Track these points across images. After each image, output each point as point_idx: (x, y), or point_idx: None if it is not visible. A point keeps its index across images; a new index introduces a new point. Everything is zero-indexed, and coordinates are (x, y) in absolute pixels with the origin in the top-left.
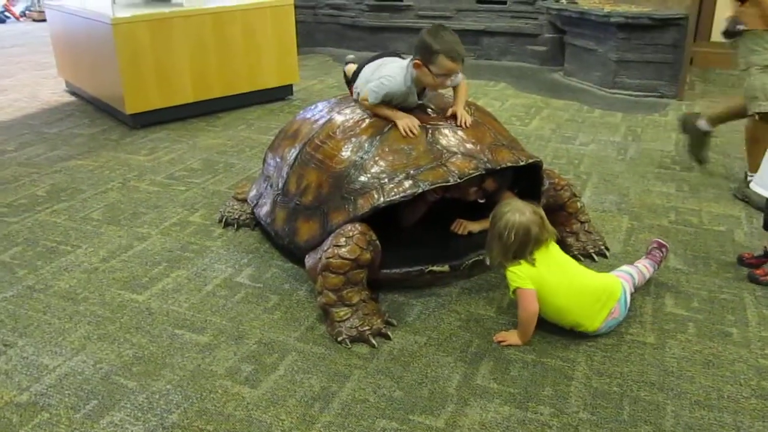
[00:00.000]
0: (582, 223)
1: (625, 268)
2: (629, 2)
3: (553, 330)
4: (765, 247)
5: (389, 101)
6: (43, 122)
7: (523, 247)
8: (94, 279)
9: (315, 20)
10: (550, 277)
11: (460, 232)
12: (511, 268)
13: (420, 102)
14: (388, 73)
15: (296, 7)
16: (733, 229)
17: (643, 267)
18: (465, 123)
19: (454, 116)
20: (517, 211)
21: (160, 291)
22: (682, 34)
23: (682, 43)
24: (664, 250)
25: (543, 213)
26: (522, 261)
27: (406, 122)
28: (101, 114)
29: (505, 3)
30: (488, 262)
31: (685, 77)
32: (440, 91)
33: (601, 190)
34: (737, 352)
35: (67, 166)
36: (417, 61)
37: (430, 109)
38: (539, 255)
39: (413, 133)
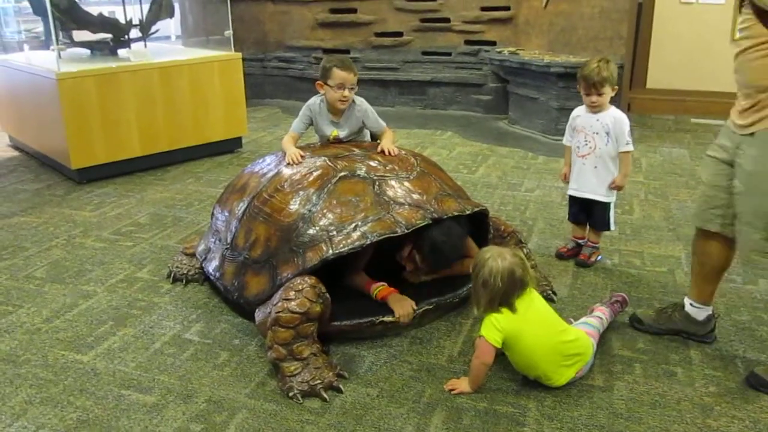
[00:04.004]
0: None
1: (592, 322)
2: (567, 53)
3: (505, 376)
4: (572, 239)
5: (312, 125)
6: None
7: (510, 291)
8: (37, 340)
9: (264, 72)
10: (528, 328)
11: (412, 281)
12: (491, 314)
13: (349, 138)
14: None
15: (245, 59)
16: (674, 269)
17: (606, 320)
18: (391, 152)
19: (382, 151)
20: (499, 257)
21: (106, 350)
22: (619, 82)
23: (619, 91)
24: (624, 305)
25: (523, 255)
26: (504, 309)
27: (292, 153)
28: (46, 169)
29: (450, 54)
30: (476, 313)
31: None
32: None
33: (547, 235)
34: (682, 390)
35: (9, 223)
36: (318, 82)
37: (375, 162)
38: (522, 303)
39: (299, 159)
